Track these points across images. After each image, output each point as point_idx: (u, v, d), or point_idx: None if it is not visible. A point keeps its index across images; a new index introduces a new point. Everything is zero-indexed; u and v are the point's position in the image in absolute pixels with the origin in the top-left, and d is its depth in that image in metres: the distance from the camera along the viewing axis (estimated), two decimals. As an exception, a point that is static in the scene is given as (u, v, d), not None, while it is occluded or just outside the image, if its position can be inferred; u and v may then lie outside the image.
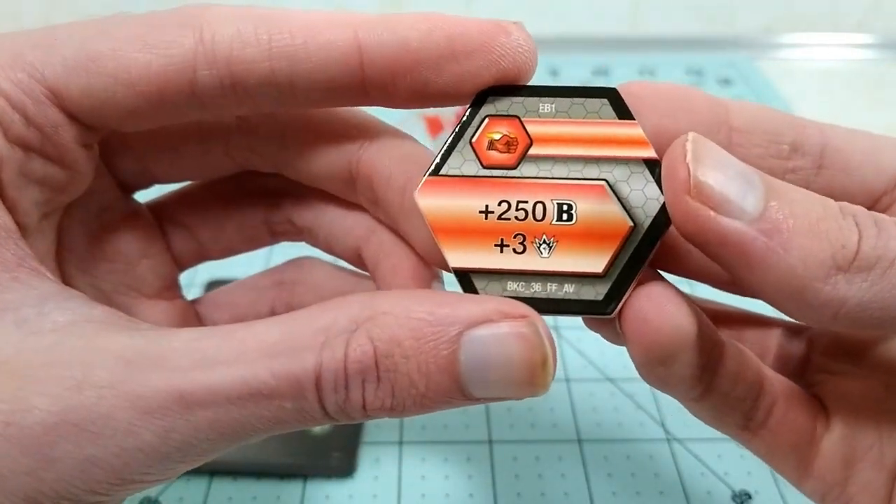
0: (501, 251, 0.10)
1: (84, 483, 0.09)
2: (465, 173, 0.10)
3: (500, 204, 0.10)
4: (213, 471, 0.21)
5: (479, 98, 0.10)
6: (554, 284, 0.10)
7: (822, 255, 0.09)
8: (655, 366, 0.10)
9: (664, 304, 0.10)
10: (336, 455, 0.22)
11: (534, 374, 0.09)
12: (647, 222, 0.10)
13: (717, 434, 0.23)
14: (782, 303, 0.09)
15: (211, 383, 0.09)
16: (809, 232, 0.09)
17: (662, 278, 0.11)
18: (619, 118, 0.10)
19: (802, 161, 0.11)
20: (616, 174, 0.10)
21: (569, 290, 0.10)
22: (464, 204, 0.10)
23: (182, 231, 0.15)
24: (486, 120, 0.10)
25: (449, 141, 0.10)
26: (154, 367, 0.09)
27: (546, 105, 0.10)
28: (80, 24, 0.11)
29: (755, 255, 0.09)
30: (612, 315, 0.10)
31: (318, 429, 0.22)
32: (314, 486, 0.21)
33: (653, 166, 0.10)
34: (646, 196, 0.10)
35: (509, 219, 0.10)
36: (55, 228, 0.12)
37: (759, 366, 0.12)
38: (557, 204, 0.10)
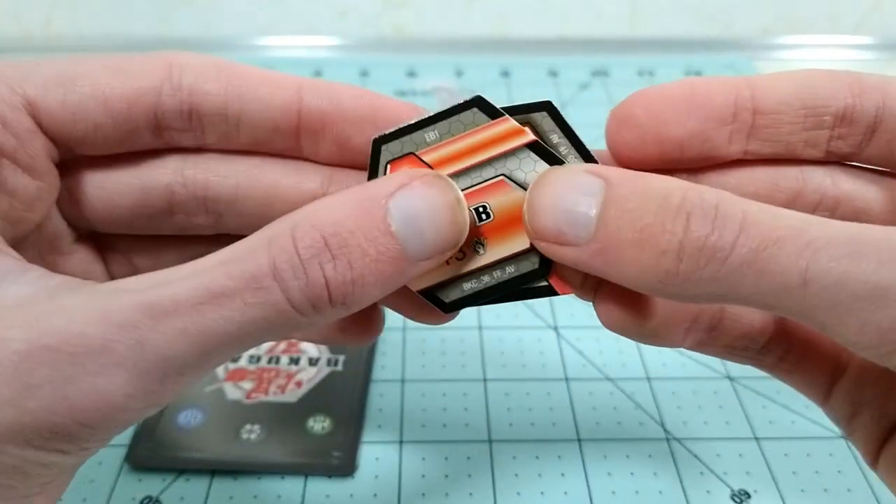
0: (448, 263, 0.12)
1: (68, 411, 0.09)
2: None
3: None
4: (214, 470, 0.22)
5: (375, 148, 0.12)
6: (498, 271, 0.12)
7: (648, 262, 0.10)
8: (629, 337, 0.12)
9: (620, 301, 0.11)
10: (336, 454, 0.22)
11: (454, 212, 0.11)
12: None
13: (717, 433, 0.23)
14: (652, 295, 0.11)
15: (173, 293, 0.10)
16: (633, 242, 0.10)
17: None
18: (493, 119, 0.11)
19: (851, 128, 0.11)
20: (509, 166, 0.11)
21: (511, 271, 0.12)
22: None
23: (120, 258, 0.15)
24: (388, 165, 0.12)
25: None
26: (118, 291, 0.10)
27: (430, 133, 0.11)
28: (62, 59, 0.12)
29: (599, 270, 0.10)
30: (550, 277, 0.12)
31: (318, 428, 0.23)
32: (315, 485, 0.21)
33: (535, 147, 0.11)
34: (538, 173, 0.11)
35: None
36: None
37: (764, 325, 0.13)
38: (474, 209, 0.11)
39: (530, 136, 0.11)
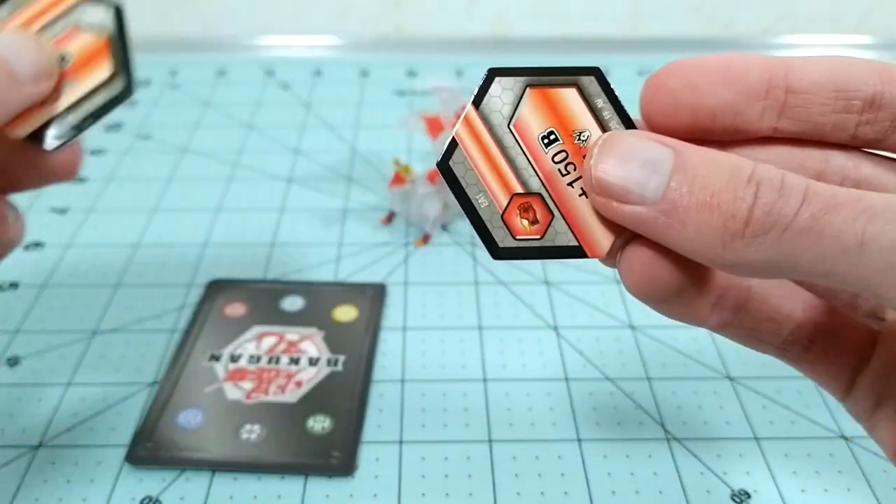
0: (43, 105, 0.14)
1: None
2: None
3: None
4: (214, 469, 0.22)
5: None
6: (89, 102, 0.15)
7: (714, 225, 0.10)
8: (652, 303, 0.12)
9: (648, 263, 0.11)
10: (336, 454, 0.22)
11: (37, 42, 0.16)
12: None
13: (717, 433, 0.23)
14: (703, 263, 0.11)
15: None
16: (703, 205, 0.10)
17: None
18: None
19: (878, 114, 0.12)
20: (77, 16, 0.14)
21: (102, 97, 0.14)
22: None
23: None
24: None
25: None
26: None
27: (2, 11, 0.14)
28: None
29: (659, 231, 0.11)
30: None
31: (318, 428, 0.23)
32: (315, 485, 0.21)
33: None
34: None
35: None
36: None
37: (792, 313, 0.13)
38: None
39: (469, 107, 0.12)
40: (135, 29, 0.52)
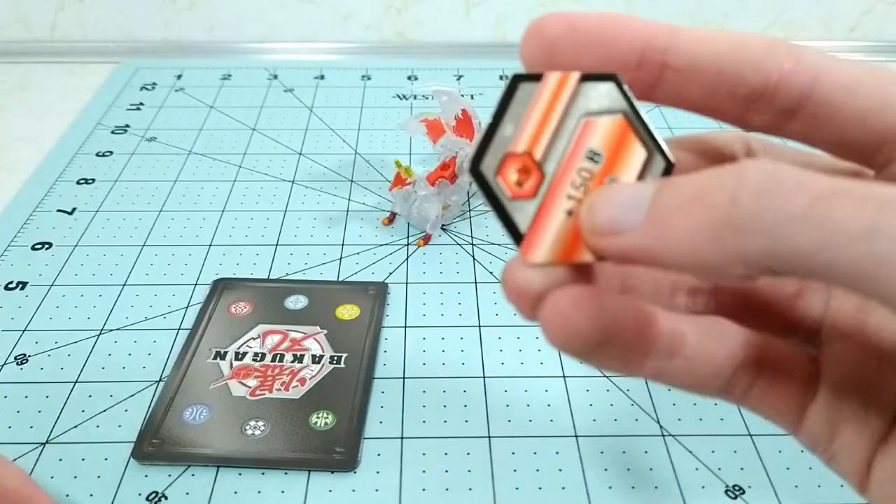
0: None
1: None
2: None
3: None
4: (218, 465, 0.22)
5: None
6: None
7: (697, 219, 0.09)
8: (578, 354, 0.11)
9: (566, 309, 0.11)
10: (339, 450, 0.22)
11: None
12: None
13: (712, 430, 0.23)
14: (704, 276, 0.10)
15: None
16: (684, 206, 0.10)
17: (587, 280, 0.11)
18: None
19: (769, 105, 0.11)
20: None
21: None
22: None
23: None
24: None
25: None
26: None
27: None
28: None
29: (650, 249, 0.10)
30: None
31: (321, 424, 0.23)
32: (318, 480, 0.22)
33: (586, 77, 0.11)
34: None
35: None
36: None
37: (731, 352, 0.12)
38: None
39: (577, 73, 0.11)
40: (143, 34, 0.53)
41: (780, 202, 0.09)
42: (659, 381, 0.12)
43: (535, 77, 0.12)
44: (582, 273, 0.11)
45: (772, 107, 0.11)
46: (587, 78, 0.11)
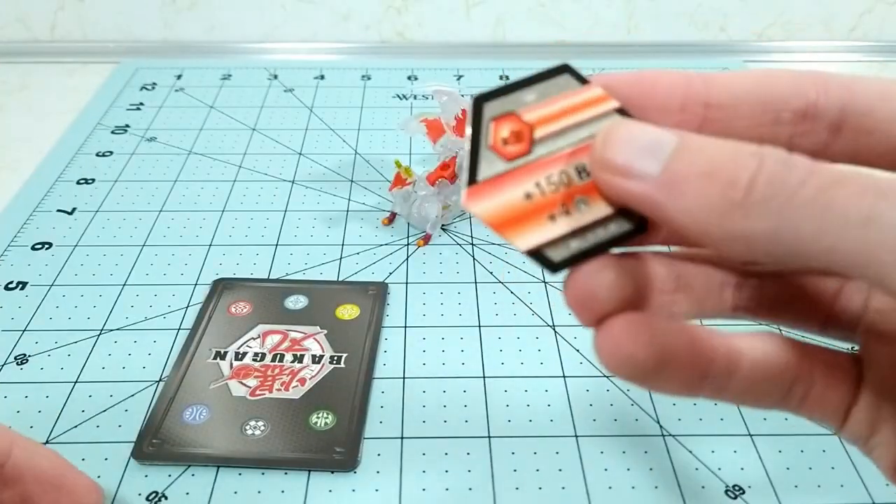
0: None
1: None
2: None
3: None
4: (219, 465, 0.22)
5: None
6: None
7: (712, 193, 0.10)
8: (637, 379, 0.11)
9: (620, 338, 0.11)
10: (339, 450, 0.22)
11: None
12: None
13: (712, 430, 0.23)
14: (703, 242, 0.10)
15: None
16: (702, 175, 0.10)
17: (640, 285, 0.11)
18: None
19: (814, 125, 0.11)
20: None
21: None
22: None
23: None
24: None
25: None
26: None
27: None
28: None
29: (659, 205, 0.10)
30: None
31: (321, 424, 0.23)
32: (318, 480, 0.22)
33: (622, 112, 0.12)
34: None
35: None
36: None
37: (787, 365, 0.12)
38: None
39: (616, 103, 0.12)
40: (140, 34, 0.53)
41: (791, 189, 0.09)
42: (718, 400, 0.12)
43: (581, 78, 0.12)
44: (634, 274, 0.11)
45: (817, 125, 0.11)
46: (622, 112, 0.12)
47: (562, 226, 0.11)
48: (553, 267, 0.11)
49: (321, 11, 0.49)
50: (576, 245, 0.11)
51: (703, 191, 0.10)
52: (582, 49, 0.49)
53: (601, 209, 0.11)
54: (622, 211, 0.11)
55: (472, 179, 0.12)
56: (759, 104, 0.11)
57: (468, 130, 0.12)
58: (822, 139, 0.11)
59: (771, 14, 0.50)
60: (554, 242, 0.11)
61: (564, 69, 0.12)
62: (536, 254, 0.11)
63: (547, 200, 0.11)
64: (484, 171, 0.12)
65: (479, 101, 0.12)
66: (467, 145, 0.12)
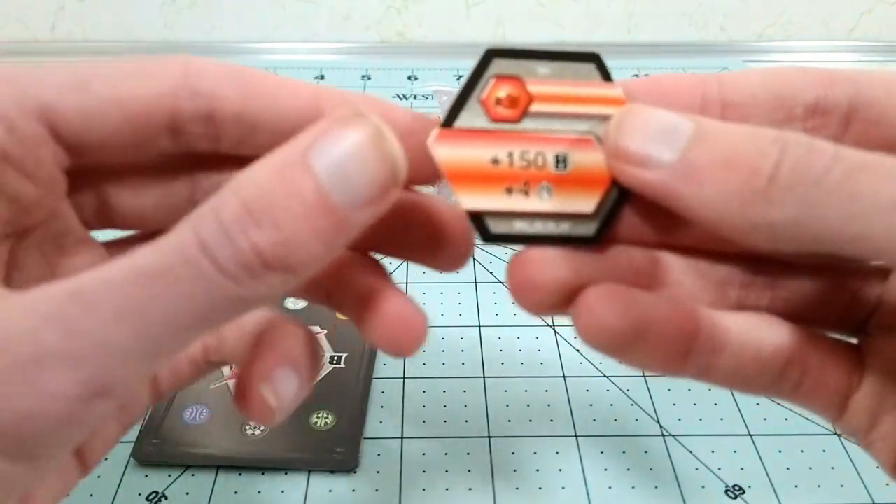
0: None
1: (9, 414, 0.09)
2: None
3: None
4: (218, 466, 0.22)
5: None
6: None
7: (734, 181, 0.10)
8: (612, 350, 0.11)
9: (595, 306, 0.11)
10: (339, 450, 0.22)
11: (378, 146, 0.10)
12: None
13: (711, 430, 0.23)
14: (723, 233, 0.10)
15: (102, 277, 0.09)
16: (722, 163, 0.10)
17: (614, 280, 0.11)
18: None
19: (824, 119, 0.11)
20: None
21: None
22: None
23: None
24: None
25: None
26: (54, 284, 0.09)
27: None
28: (74, 63, 0.12)
29: (676, 194, 0.10)
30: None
31: (321, 424, 0.23)
32: (318, 481, 0.22)
33: None
34: None
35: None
36: (7, 250, 0.12)
37: (779, 347, 0.11)
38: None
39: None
40: (140, 34, 0.52)
41: (817, 175, 0.09)
42: (705, 381, 0.11)
43: (607, 74, 0.11)
44: (596, 268, 0.11)
45: (828, 118, 0.11)
46: None
47: (514, 202, 0.11)
48: (487, 236, 0.11)
49: (321, 11, 0.49)
50: (520, 227, 0.11)
51: (724, 179, 0.10)
52: (582, 49, 0.49)
53: (562, 204, 0.11)
54: (582, 216, 0.11)
55: (448, 123, 0.11)
56: (772, 101, 0.11)
57: (465, 78, 0.11)
58: (833, 132, 0.11)
59: (771, 14, 0.50)
60: (499, 214, 0.11)
61: (593, 58, 0.11)
62: (477, 218, 0.11)
63: (511, 173, 0.11)
64: (463, 120, 0.11)
65: (491, 54, 0.11)
66: (457, 92, 0.11)
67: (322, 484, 0.22)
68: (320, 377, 0.25)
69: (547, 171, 0.11)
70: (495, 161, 0.11)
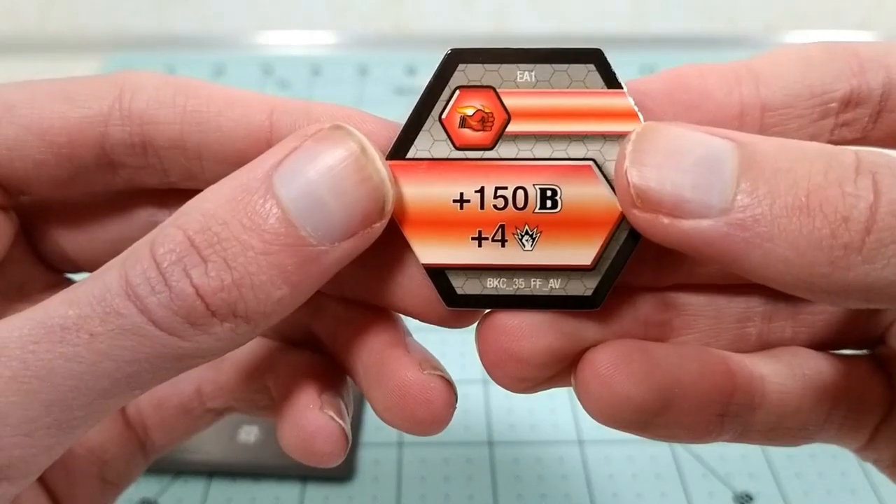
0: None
1: None
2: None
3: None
4: (211, 472, 0.21)
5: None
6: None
7: (817, 235, 0.07)
8: (631, 428, 0.09)
9: (610, 373, 0.08)
10: (335, 456, 0.22)
11: (360, 167, 0.08)
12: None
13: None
14: (801, 295, 0.08)
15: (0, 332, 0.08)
16: (797, 210, 0.07)
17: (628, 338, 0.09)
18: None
19: (857, 112, 0.09)
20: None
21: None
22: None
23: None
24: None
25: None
26: None
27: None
28: (4, 84, 0.10)
29: (735, 252, 0.07)
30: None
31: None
32: (313, 488, 0.21)
33: None
34: None
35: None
36: None
37: (824, 388, 0.10)
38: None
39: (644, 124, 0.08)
40: (132, 26, 0.51)
41: None
42: (745, 442, 0.10)
43: (610, 77, 0.09)
44: (589, 331, 0.09)
45: (859, 111, 0.10)
46: None
47: (485, 254, 0.08)
48: (451, 299, 0.09)
49: (318, 3, 0.48)
50: (493, 285, 0.09)
51: (803, 235, 0.07)
52: (585, 41, 0.48)
53: (550, 255, 0.08)
54: (578, 269, 0.08)
55: (399, 153, 0.09)
56: (811, 97, 0.09)
57: (427, 86, 0.09)
58: (863, 126, 0.10)
59: (780, 5, 0.49)
60: (465, 269, 0.09)
61: (593, 57, 0.09)
62: (437, 274, 0.09)
63: (482, 217, 0.08)
64: (418, 148, 0.09)
65: (456, 56, 0.08)
66: (415, 105, 0.09)
67: (318, 492, 0.21)
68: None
69: (529, 213, 0.09)
70: (462, 201, 0.09)
